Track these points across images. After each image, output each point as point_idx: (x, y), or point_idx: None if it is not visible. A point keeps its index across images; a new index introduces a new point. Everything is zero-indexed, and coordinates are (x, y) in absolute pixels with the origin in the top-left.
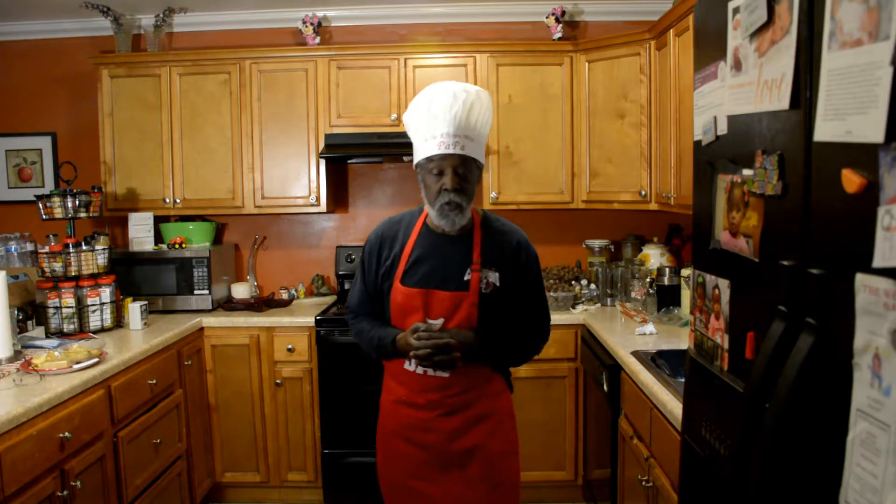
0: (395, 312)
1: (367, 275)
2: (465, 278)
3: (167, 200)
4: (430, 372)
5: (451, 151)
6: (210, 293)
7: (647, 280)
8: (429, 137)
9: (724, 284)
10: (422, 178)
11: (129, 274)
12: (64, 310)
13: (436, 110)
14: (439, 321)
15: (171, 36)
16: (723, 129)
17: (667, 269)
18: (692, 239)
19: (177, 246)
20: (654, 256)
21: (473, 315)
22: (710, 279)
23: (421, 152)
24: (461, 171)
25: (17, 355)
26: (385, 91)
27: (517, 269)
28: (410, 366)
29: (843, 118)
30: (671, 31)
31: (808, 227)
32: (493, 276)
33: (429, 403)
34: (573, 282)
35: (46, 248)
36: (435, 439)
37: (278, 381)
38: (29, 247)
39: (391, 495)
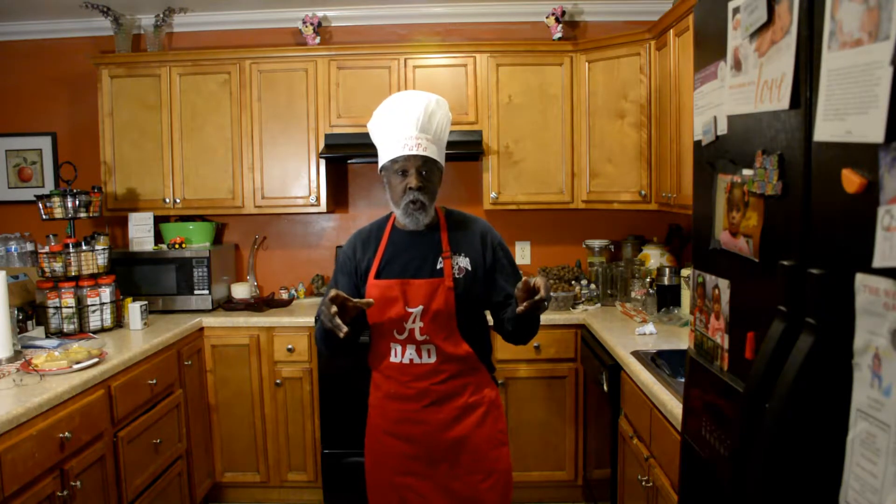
0: (373, 308)
1: (341, 280)
2: (438, 266)
3: (167, 200)
4: (416, 360)
5: (414, 152)
6: (210, 293)
7: (647, 280)
8: (393, 141)
9: (724, 284)
10: (387, 180)
11: (129, 274)
12: (64, 310)
13: (399, 115)
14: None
15: (171, 36)
16: (723, 129)
17: (667, 269)
18: (692, 239)
19: (177, 246)
20: (654, 256)
21: (451, 299)
22: (710, 279)
23: (386, 155)
24: (424, 171)
25: (17, 355)
26: (385, 91)
27: (486, 253)
28: (396, 357)
29: (843, 118)
30: (671, 31)
31: (808, 227)
32: (464, 262)
33: (417, 393)
34: (573, 282)
35: (46, 248)
36: (424, 431)
37: (278, 381)
38: (29, 247)
39: (378, 497)
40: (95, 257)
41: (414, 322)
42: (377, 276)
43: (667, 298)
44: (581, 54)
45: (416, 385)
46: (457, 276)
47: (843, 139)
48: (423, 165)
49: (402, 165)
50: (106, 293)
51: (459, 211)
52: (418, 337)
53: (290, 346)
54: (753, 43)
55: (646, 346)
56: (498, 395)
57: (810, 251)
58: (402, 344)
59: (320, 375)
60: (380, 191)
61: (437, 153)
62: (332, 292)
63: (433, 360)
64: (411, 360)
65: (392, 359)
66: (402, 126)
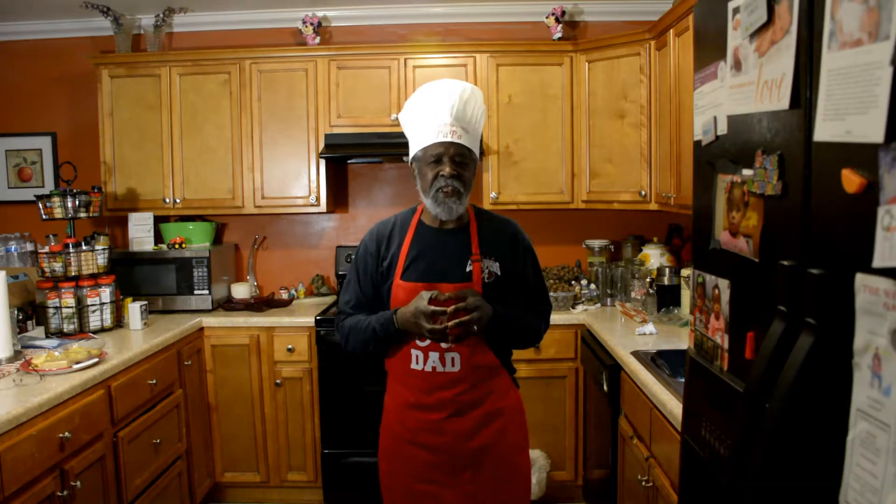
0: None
1: (363, 277)
2: (467, 269)
3: (167, 200)
4: (440, 368)
5: (449, 139)
6: (210, 293)
7: (647, 280)
8: (427, 129)
9: (724, 284)
10: (418, 170)
11: (129, 274)
12: (64, 310)
13: (433, 103)
14: (445, 295)
15: (171, 36)
16: (723, 129)
17: (667, 269)
18: (692, 239)
19: (177, 246)
20: (654, 256)
21: None
22: (710, 279)
23: (419, 143)
24: (458, 159)
25: (17, 355)
26: (385, 91)
27: (516, 257)
28: (417, 364)
29: (843, 118)
30: (671, 31)
31: (808, 227)
32: (494, 266)
33: (439, 403)
34: (573, 282)
35: (46, 248)
36: (446, 441)
37: (278, 381)
38: (29, 247)
39: (396, 503)
40: (95, 257)
41: None
42: (403, 276)
43: (667, 298)
44: (581, 54)
45: (439, 394)
46: (486, 281)
47: (843, 139)
48: (458, 154)
49: (437, 153)
50: (106, 293)
51: (488, 210)
52: (443, 344)
53: (290, 346)
54: (753, 43)
55: (646, 346)
56: (520, 399)
57: (810, 251)
58: (425, 351)
59: (320, 375)
60: (380, 191)
61: (472, 143)
62: (428, 295)
63: (457, 369)
64: (434, 367)
65: (413, 365)
66: (435, 114)
